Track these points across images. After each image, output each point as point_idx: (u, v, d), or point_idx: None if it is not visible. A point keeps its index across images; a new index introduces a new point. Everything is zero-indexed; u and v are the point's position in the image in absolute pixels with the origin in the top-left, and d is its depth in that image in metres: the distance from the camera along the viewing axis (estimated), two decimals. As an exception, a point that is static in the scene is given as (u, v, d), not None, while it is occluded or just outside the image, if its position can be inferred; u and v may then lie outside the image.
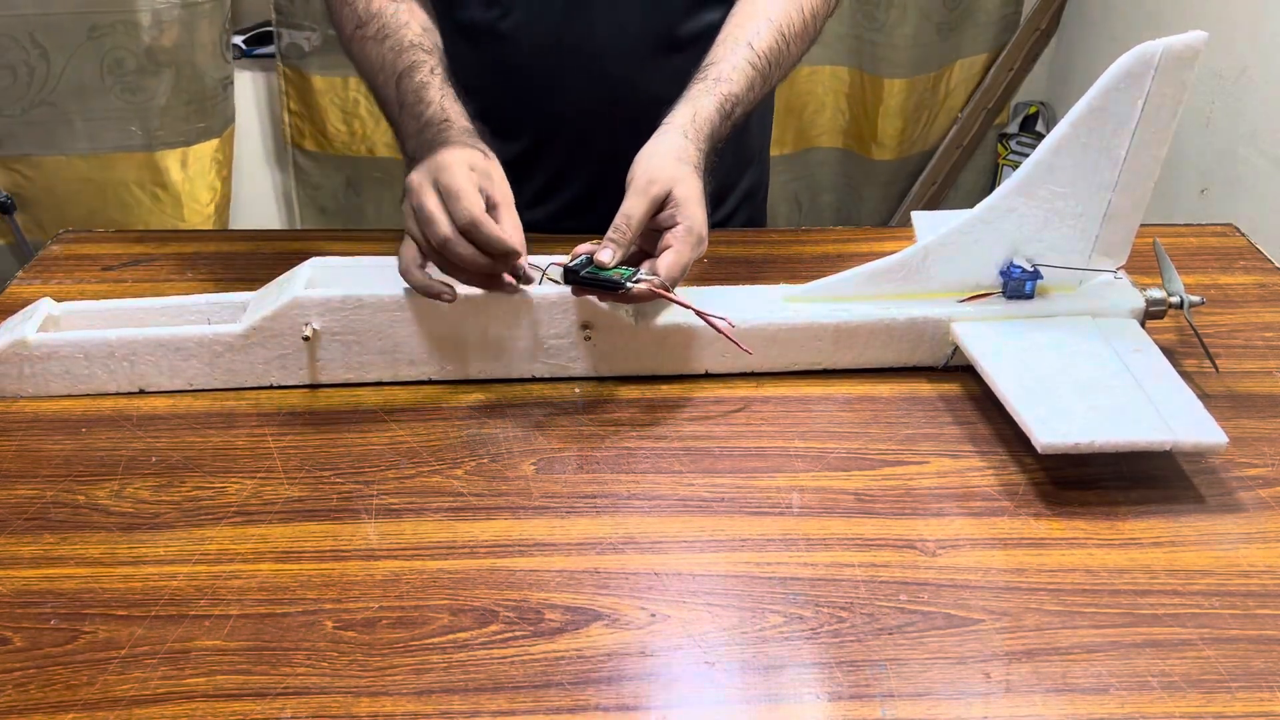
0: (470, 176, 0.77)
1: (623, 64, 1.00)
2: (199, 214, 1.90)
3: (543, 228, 0.83)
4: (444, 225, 0.75)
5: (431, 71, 0.87)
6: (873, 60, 2.16)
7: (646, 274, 0.78)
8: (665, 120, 0.85)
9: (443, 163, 0.78)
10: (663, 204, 0.80)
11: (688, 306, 0.80)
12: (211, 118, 1.86)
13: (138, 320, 0.84)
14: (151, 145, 1.80)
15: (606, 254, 0.78)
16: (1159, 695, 0.59)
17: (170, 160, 1.83)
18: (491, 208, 0.78)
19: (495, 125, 0.86)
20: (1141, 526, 0.71)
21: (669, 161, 0.82)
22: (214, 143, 1.88)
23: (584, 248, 0.79)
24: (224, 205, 1.96)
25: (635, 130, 0.84)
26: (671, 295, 0.78)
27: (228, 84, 1.88)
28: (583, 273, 0.78)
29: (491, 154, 0.82)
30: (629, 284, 0.77)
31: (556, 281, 0.81)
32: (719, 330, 0.80)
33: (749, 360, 0.85)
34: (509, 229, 0.77)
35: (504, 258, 0.77)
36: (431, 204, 0.76)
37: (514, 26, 0.99)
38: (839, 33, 2.14)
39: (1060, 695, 0.59)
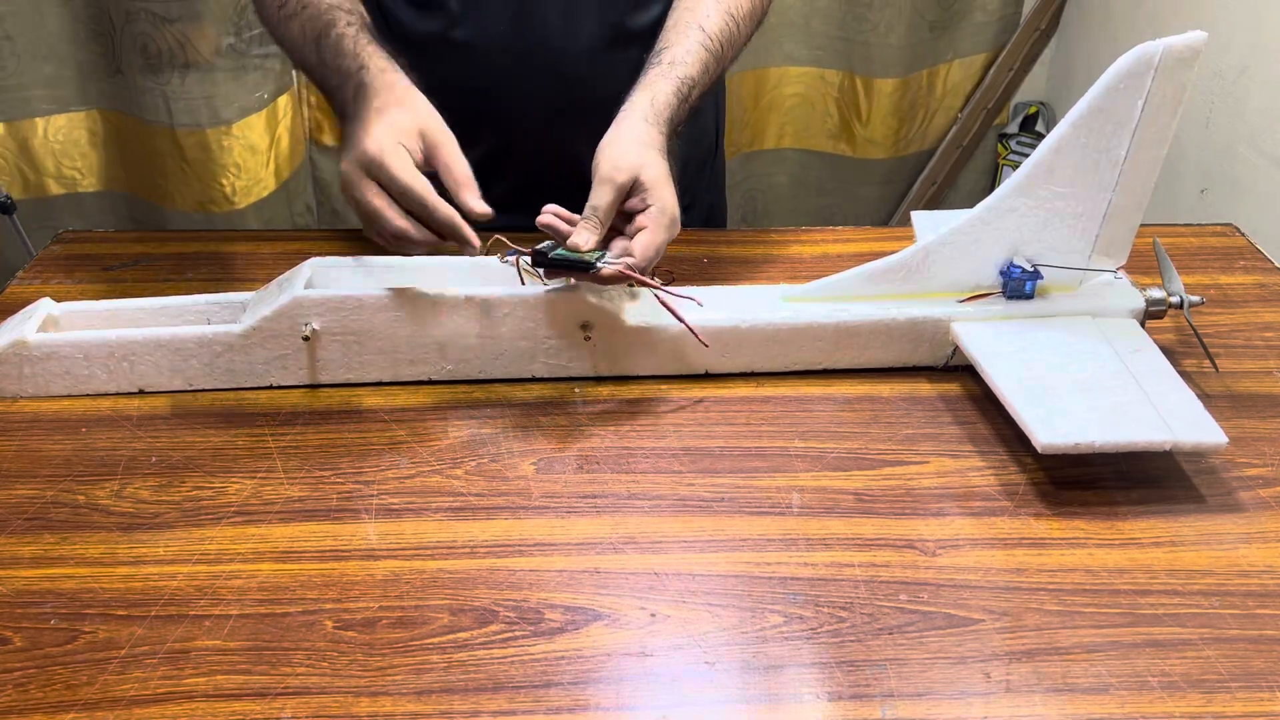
0: (401, 154, 0.80)
1: (578, 62, 1.00)
2: (220, 192, 1.94)
3: (523, 228, 0.84)
4: (390, 220, 0.80)
5: (347, 24, 0.89)
6: (864, 61, 2.16)
7: (614, 257, 0.79)
8: (624, 107, 0.87)
9: (370, 151, 0.80)
10: (630, 190, 0.81)
11: (654, 287, 0.80)
12: (223, 105, 1.90)
13: (138, 320, 0.84)
14: (174, 124, 1.88)
15: (581, 237, 0.79)
16: (1159, 695, 0.59)
17: (190, 139, 1.88)
18: (433, 150, 0.82)
19: (457, 135, 0.87)
20: (1141, 526, 0.71)
21: (633, 147, 0.83)
22: (226, 128, 1.91)
23: (552, 215, 0.81)
24: (254, 188, 1.99)
25: (597, 127, 0.85)
26: (640, 277, 0.79)
27: (238, 74, 1.91)
28: (551, 255, 0.79)
29: (412, 89, 0.85)
30: (599, 264, 0.78)
31: (530, 270, 0.81)
32: (678, 317, 0.80)
33: (749, 360, 0.85)
34: (457, 170, 0.82)
35: (460, 241, 0.80)
36: (374, 200, 0.81)
37: (465, 35, 0.98)
38: (827, 34, 2.14)
39: (1060, 695, 0.59)
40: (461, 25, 0.98)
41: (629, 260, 0.79)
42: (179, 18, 1.80)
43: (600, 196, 0.80)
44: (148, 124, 1.88)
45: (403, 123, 0.82)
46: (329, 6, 0.91)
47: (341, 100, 0.87)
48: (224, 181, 1.94)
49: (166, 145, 1.89)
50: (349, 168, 0.82)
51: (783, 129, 2.25)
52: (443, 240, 0.82)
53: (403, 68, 0.88)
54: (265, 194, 2.00)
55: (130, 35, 1.80)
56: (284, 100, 2.00)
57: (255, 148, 1.95)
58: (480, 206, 0.81)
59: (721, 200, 1.22)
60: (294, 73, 2.03)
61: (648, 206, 0.81)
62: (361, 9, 0.94)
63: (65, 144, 1.89)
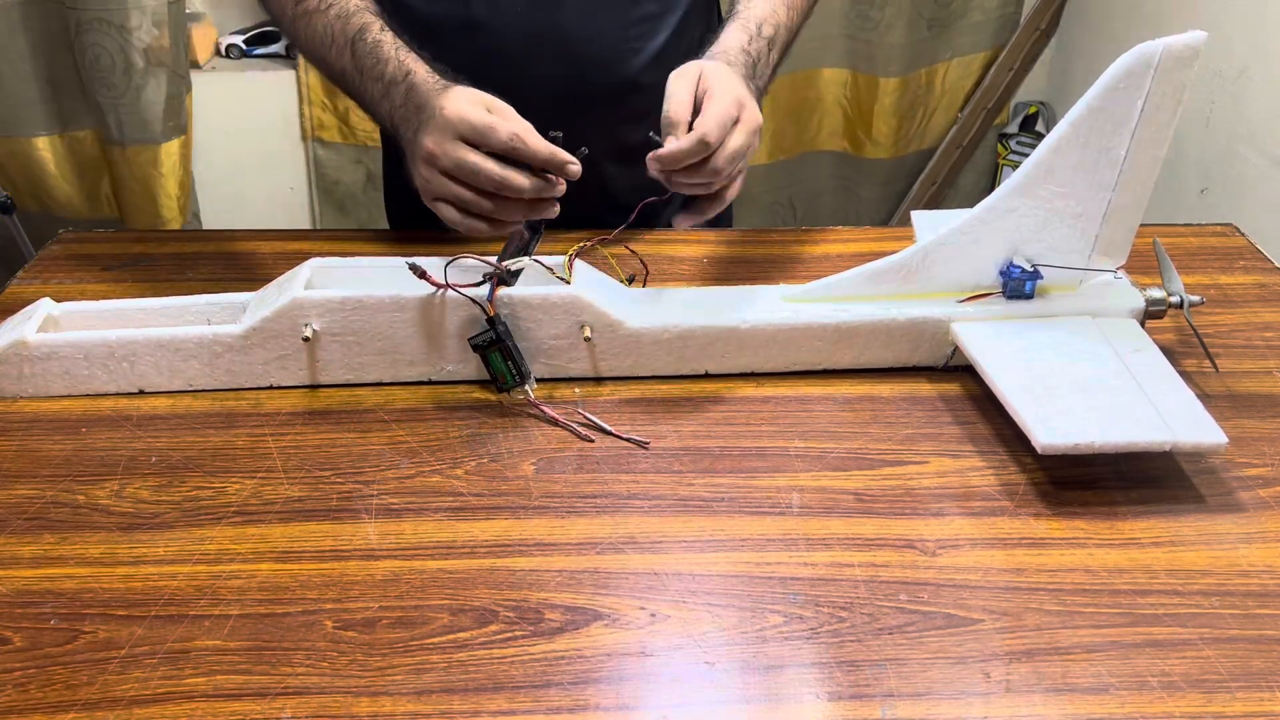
0: (480, 109, 0.79)
1: (594, 46, 1.00)
2: (170, 209, 1.92)
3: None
4: (492, 167, 0.77)
5: (381, 30, 0.88)
6: (868, 60, 2.16)
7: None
8: None
9: (450, 115, 0.79)
10: (699, 90, 0.81)
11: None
12: (173, 116, 1.87)
13: (137, 321, 0.84)
14: (125, 141, 1.84)
15: (670, 142, 0.79)
16: (1159, 695, 0.59)
17: (143, 156, 1.85)
18: (499, 115, 0.80)
19: None
20: (1141, 526, 0.71)
21: (695, 62, 0.84)
22: (181, 139, 1.89)
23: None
24: (187, 202, 1.97)
25: (612, 111, 0.84)
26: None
27: (187, 84, 1.89)
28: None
29: (462, 81, 0.84)
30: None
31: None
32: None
33: (749, 360, 0.85)
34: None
35: (558, 169, 0.78)
36: (469, 156, 0.78)
37: (479, 17, 0.98)
38: (834, 34, 2.14)
39: (1060, 695, 0.59)
40: (475, 7, 0.98)
41: (689, 135, 0.78)
42: (137, 26, 1.76)
43: (671, 99, 0.79)
44: (109, 141, 1.84)
45: (469, 95, 0.81)
46: (356, 8, 0.90)
47: (388, 107, 0.86)
48: (171, 194, 1.91)
49: (119, 165, 1.85)
50: (431, 141, 0.79)
51: (788, 133, 2.25)
52: (542, 181, 0.80)
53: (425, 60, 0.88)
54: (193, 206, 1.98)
55: (81, 48, 1.76)
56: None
57: (182, 161, 1.92)
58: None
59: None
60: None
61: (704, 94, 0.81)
62: (380, 11, 0.93)
63: (30, 166, 1.85)
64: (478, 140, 0.78)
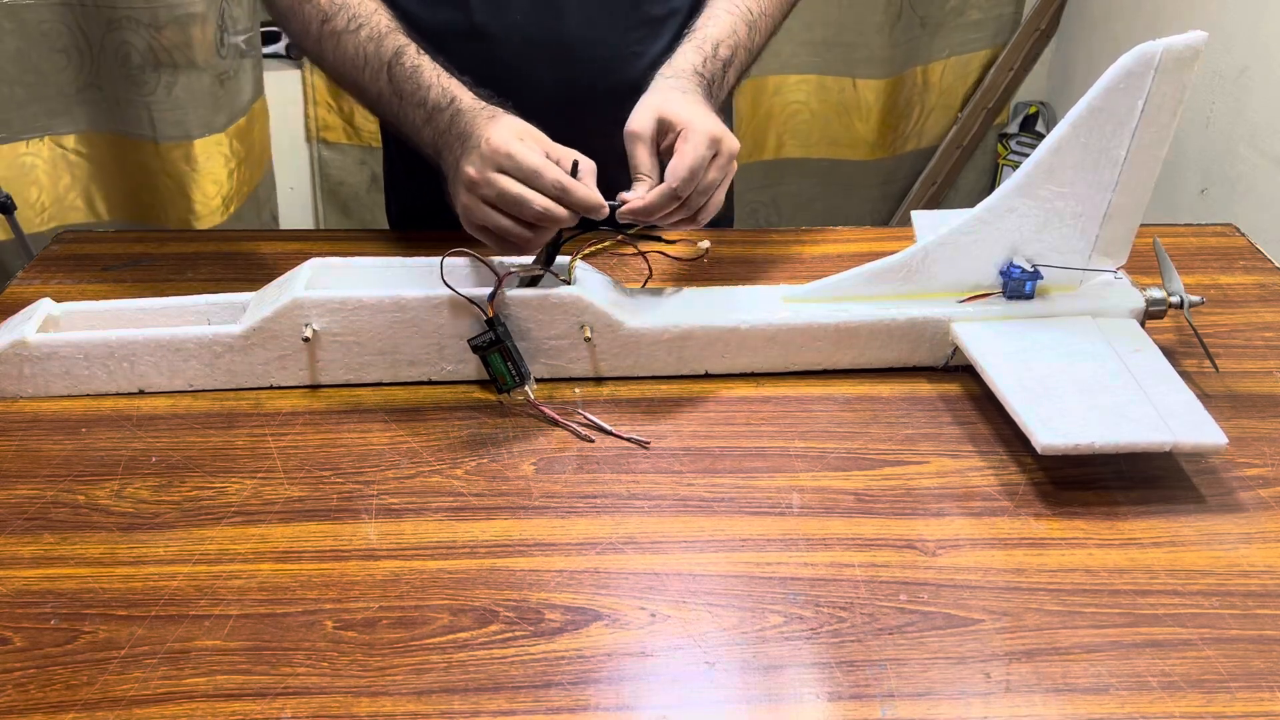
0: (526, 143, 0.79)
1: (595, 51, 1.00)
2: (206, 206, 1.92)
3: None
4: (537, 200, 0.78)
5: (419, 53, 0.87)
6: (863, 63, 2.15)
7: (632, 194, 0.80)
8: None
9: (497, 145, 0.79)
10: (662, 133, 0.82)
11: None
12: (212, 113, 1.88)
13: (138, 321, 0.84)
14: (158, 137, 1.85)
15: (636, 192, 0.79)
16: (1159, 695, 0.59)
17: (176, 152, 1.86)
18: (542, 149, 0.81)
19: None
20: (1141, 526, 0.71)
21: (648, 99, 0.84)
22: (217, 137, 1.90)
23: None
24: (233, 199, 1.97)
25: (615, 117, 0.84)
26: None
27: (225, 79, 1.89)
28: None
29: (509, 110, 0.84)
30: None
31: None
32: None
33: (749, 360, 0.85)
34: (589, 182, 0.80)
35: (594, 211, 0.79)
36: (513, 187, 0.78)
37: (481, 23, 0.98)
38: (814, 41, 2.13)
39: (1060, 695, 0.59)
40: (478, 14, 0.98)
41: (659, 188, 0.79)
42: (165, 24, 1.76)
43: (635, 156, 0.80)
44: (132, 139, 1.85)
45: (515, 125, 0.81)
46: (388, 29, 0.89)
47: (431, 134, 0.85)
48: (209, 192, 1.91)
49: (152, 161, 1.86)
50: (474, 170, 0.79)
51: (782, 138, 2.24)
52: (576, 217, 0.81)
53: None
54: (241, 205, 1.99)
55: (112, 45, 1.76)
56: (258, 106, 1.98)
57: (233, 157, 1.93)
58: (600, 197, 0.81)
59: (729, 201, 1.22)
60: (264, 77, 2.01)
61: (678, 133, 0.81)
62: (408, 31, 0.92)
63: (40, 170, 1.84)
64: (522, 179, 0.78)
